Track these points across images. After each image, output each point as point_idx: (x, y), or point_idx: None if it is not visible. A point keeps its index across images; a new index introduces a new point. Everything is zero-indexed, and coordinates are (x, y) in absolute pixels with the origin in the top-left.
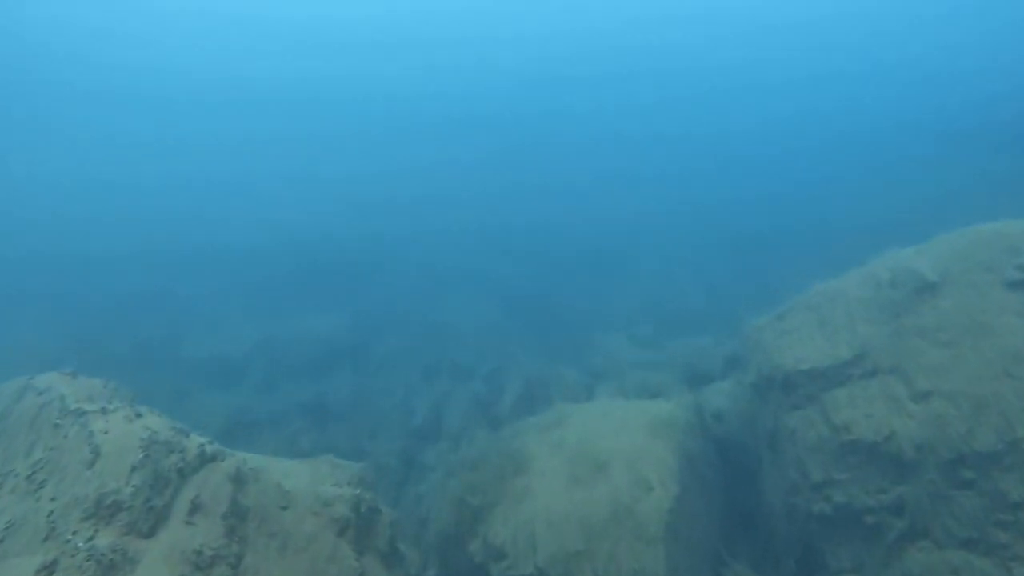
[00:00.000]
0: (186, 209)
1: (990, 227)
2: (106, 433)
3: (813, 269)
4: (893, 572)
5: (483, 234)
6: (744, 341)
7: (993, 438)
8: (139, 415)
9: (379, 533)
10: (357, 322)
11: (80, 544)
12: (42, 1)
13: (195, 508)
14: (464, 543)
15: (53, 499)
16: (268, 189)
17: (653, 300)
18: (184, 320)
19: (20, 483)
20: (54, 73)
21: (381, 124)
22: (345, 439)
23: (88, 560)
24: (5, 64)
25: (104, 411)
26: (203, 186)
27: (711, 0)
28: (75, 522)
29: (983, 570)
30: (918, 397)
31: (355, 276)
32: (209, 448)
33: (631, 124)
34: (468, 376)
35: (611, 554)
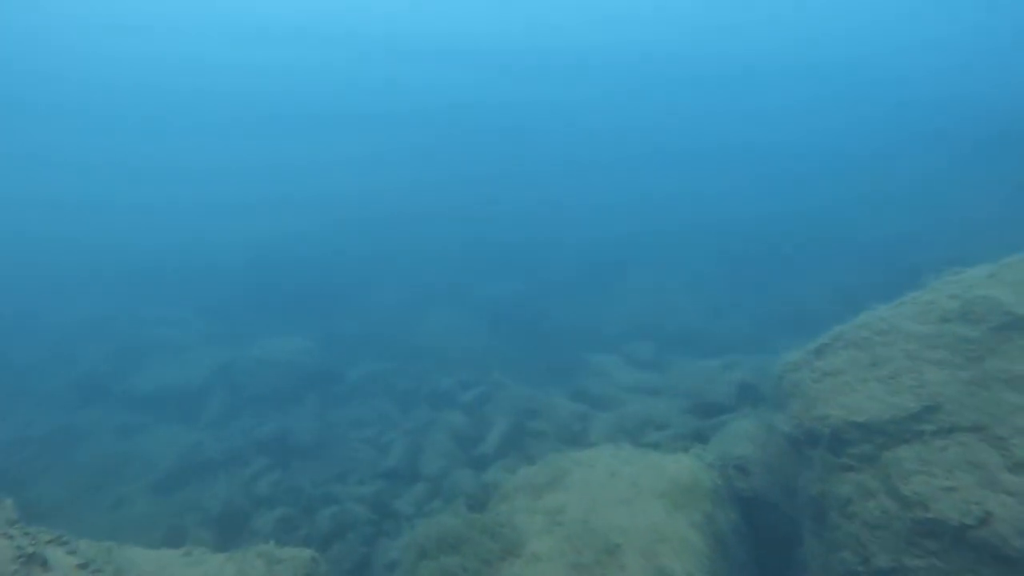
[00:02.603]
0: (142, 227)
1: None
2: None
3: (820, 283)
4: None
5: (467, 248)
6: (775, 382)
7: None
8: None
9: None
10: (328, 345)
11: None
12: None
13: None
14: None
15: None
16: (235, 207)
17: (651, 316)
18: (135, 347)
19: None
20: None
21: (359, 139)
22: (310, 482)
23: None
24: None
25: None
26: (164, 204)
27: (715, 9)
28: None
29: None
30: (1018, 468)
31: (328, 294)
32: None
33: (624, 133)
34: (450, 405)
35: None
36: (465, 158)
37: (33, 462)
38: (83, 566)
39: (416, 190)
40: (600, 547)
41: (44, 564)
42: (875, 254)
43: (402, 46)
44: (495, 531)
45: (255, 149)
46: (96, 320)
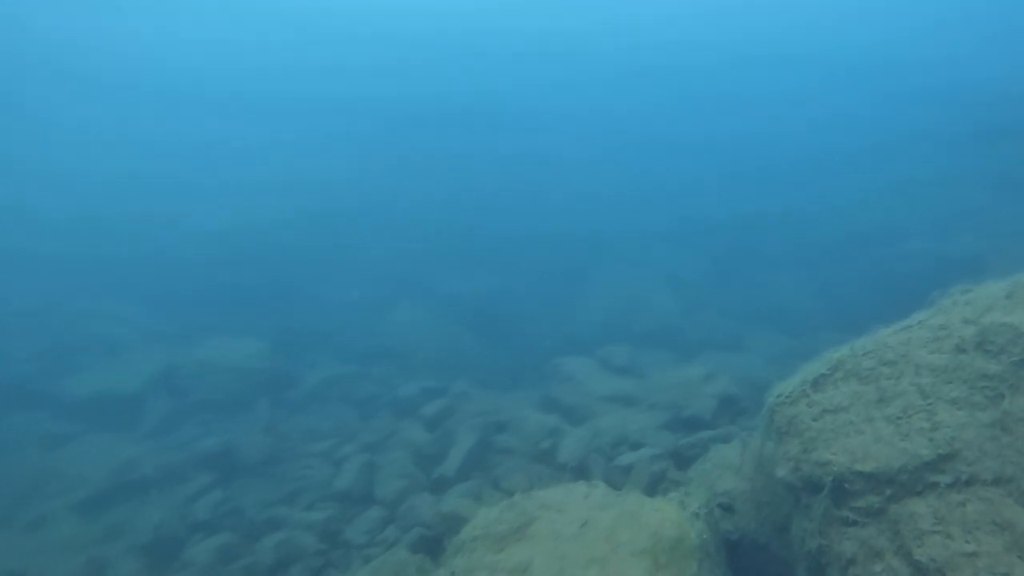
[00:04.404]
0: (86, 204)
1: None
2: None
3: (796, 277)
4: None
5: (434, 240)
6: (767, 415)
7: None
8: None
9: None
10: (284, 344)
11: None
12: None
13: None
14: None
15: None
16: (186, 190)
17: (625, 313)
18: (70, 345)
19: None
20: None
21: (332, 125)
22: (254, 504)
23: None
24: None
25: None
26: (110, 180)
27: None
28: None
29: None
30: None
31: (286, 288)
32: None
33: (602, 124)
34: (412, 415)
35: None
36: (433, 147)
37: None
38: None
39: (380, 179)
40: None
41: None
42: (852, 248)
43: (371, 29)
44: None
45: (211, 129)
46: (28, 312)
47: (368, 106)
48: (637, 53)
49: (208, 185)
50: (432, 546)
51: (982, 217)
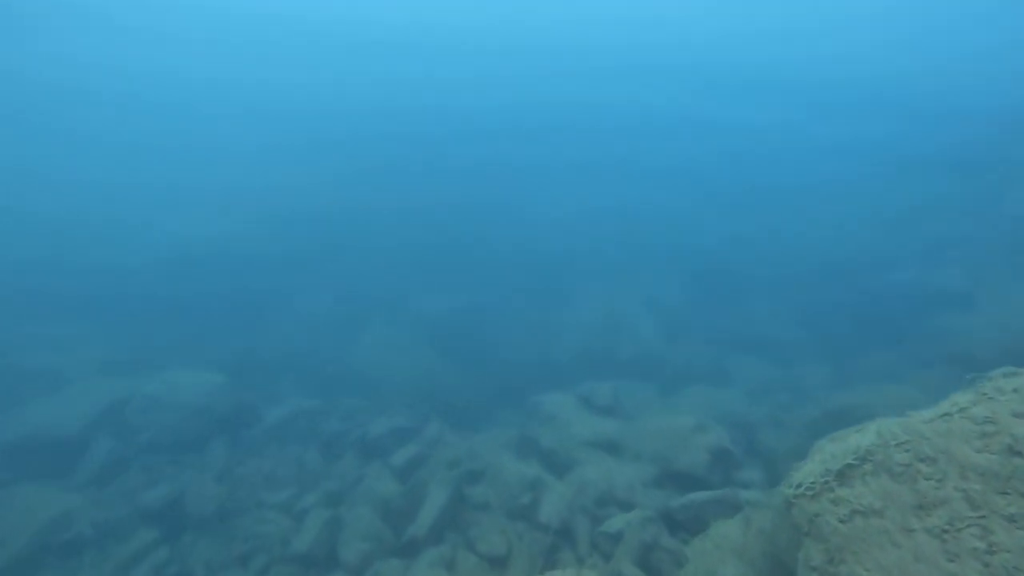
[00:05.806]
0: (28, 211)
1: None
2: None
3: (777, 303)
4: None
5: (405, 254)
6: (782, 510)
7: None
8: None
9: None
10: (245, 372)
11: None
12: None
13: None
14: None
15: None
16: (144, 196)
17: (605, 339)
18: (6, 377)
19: None
20: None
21: (303, 133)
22: (203, 566)
23: None
24: None
25: None
26: (74, 188)
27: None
28: None
29: None
30: None
31: (250, 306)
32: None
33: (577, 139)
34: (380, 459)
35: None
36: (408, 158)
37: None
38: None
39: (350, 186)
40: None
41: None
42: (836, 276)
43: (348, 40)
44: None
45: (171, 132)
46: None
47: (341, 115)
48: (622, 72)
49: (162, 192)
50: None
51: (967, 247)
